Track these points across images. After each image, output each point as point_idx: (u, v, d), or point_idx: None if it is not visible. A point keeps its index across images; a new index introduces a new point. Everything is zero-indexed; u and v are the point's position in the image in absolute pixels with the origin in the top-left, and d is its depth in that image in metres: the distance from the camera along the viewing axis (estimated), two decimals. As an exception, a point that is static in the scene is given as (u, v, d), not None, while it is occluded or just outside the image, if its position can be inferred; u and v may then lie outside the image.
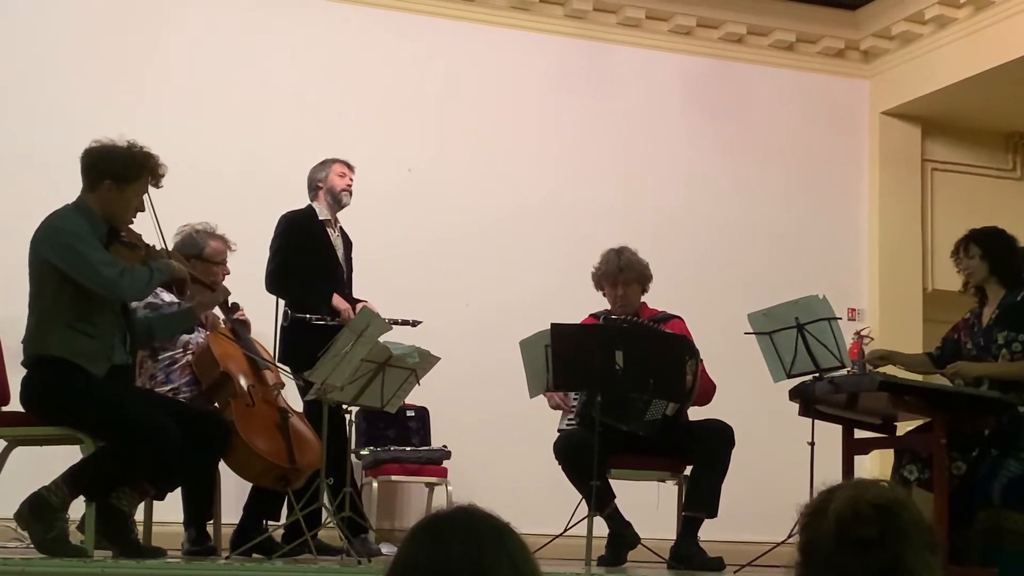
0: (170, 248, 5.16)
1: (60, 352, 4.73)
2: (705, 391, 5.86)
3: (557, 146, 8.66)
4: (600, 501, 5.53)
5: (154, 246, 4.98)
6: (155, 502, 5.50)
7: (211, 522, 5.67)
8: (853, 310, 8.99)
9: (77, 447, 4.84)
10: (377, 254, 7.30)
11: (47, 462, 4.97)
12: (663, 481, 6.10)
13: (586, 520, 5.54)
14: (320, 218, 6.34)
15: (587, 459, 5.45)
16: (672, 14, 9.02)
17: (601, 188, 8.65)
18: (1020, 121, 9.48)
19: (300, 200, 6.43)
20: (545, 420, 6.15)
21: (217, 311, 5.79)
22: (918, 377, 6.19)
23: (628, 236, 6.36)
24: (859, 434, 5.87)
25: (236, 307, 5.59)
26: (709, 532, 5.81)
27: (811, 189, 9.21)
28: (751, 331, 5.72)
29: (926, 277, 9.34)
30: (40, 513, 4.65)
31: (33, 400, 4.83)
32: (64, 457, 4.91)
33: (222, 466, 5.46)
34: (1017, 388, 5.45)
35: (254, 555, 5.34)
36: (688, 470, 5.89)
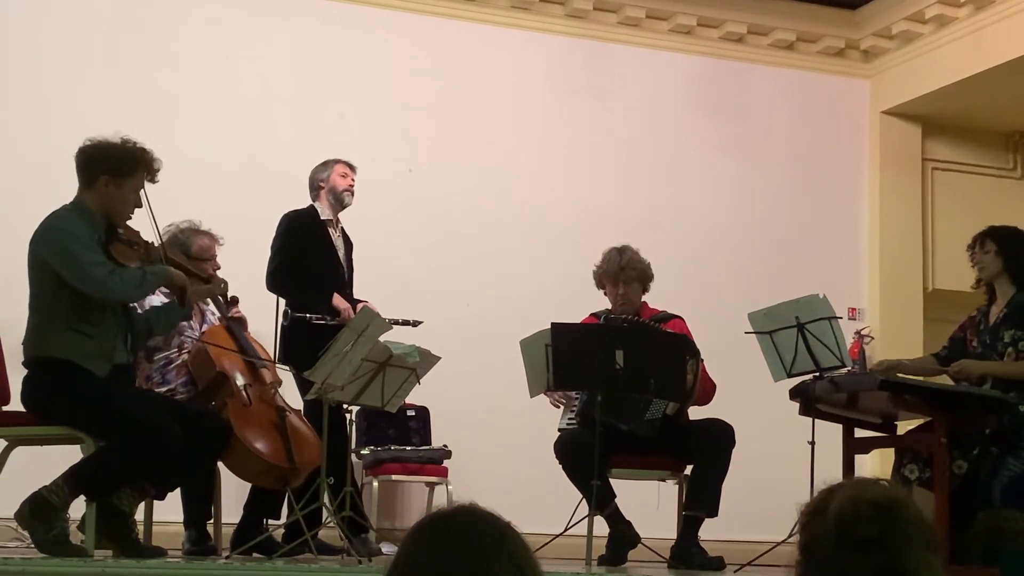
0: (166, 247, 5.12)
1: (62, 354, 4.73)
2: (706, 391, 5.86)
3: (557, 145, 8.66)
4: (601, 500, 5.53)
5: (152, 243, 4.96)
6: (155, 502, 5.49)
7: (211, 522, 5.67)
8: (853, 309, 8.99)
9: (78, 447, 4.83)
10: (377, 254, 7.29)
11: (47, 462, 4.97)
12: (663, 480, 6.10)
13: (587, 519, 5.55)
14: (322, 218, 6.34)
15: (587, 459, 5.45)
16: (672, 13, 9.02)
17: (601, 187, 8.65)
18: (1020, 120, 9.47)
19: (301, 200, 6.43)
20: (545, 420, 6.15)
21: (215, 311, 5.79)
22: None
23: (628, 235, 6.35)
24: (859, 433, 5.87)
25: (235, 300, 5.52)
26: (710, 531, 5.81)
27: (811, 188, 9.21)
28: (751, 330, 5.72)
29: (926, 276, 9.34)
30: (40, 513, 4.64)
31: (35, 402, 4.83)
32: (64, 457, 4.91)
33: (222, 466, 5.46)
34: (1020, 387, 5.45)
35: (254, 554, 5.34)
36: (689, 469, 5.89)
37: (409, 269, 7.99)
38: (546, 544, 5.52)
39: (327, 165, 6.43)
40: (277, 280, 6.22)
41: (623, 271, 5.96)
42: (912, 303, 9.19)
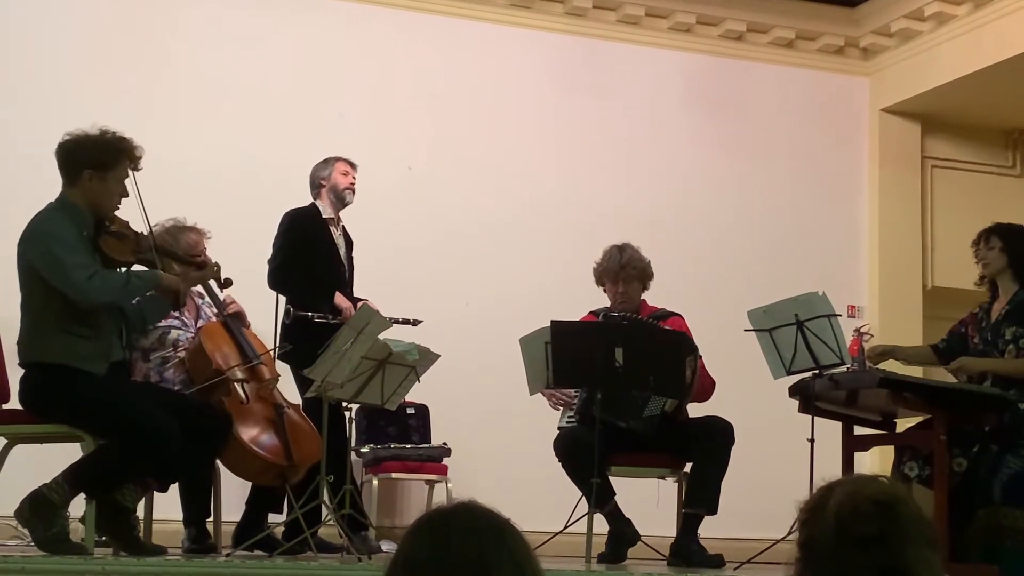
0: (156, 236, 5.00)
1: (58, 358, 4.70)
2: (704, 388, 5.86)
3: (557, 144, 8.66)
4: (600, 498, 5.54)
5: (142, 233, 4.88)
6: (155, 502, 5.49)
7: (211, 520, 5.66)
8: (853, 307, 8.99)
9: (78, 444, 4.83)
10: (377, 252, 7.29)
11: (47, 460, 4.97)
12: (663, 478, 6.09)
13: (586, 517, 5.55)
14: (323, 216, 6.34)
15: (587, 457, 5.45)
16: (672, 11, 9.02)
17: (601, 185, 8.65)
18: (1020, 118, 9.47)
19: (301, 199, 6.42)
20: (545, 418, 6.15)
21: (211, 304, 5.77)
22: (919, 373, 6.19)
23: (628, 232, 6.36)
24: (859, 431, 5.87)
25: (228, 282, 5.42)
26: (709, 529, 5.81)
27: (811, 186, 9.21)
28: (751, 328, 5.72)
29: (926, 274, 9.34)
30: (40, 511, 4.64)
31: (33, 403, 4.82)
32: (64, 455, 4.91)
33: (221, 465, 5.46)
34: (1020, 385, 5.44)
35: (255, 551, 5.33)
36: (688, 467, 5.89)
37: (409, 267, 7.99)
38: (546, 542, 5.53)
39: (328, 163, 6.42)
40: (279, 278, 6.22)
41: (623, 269, 5.96)
42: (911, 300, 9.19)
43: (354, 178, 6.41)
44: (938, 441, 5.22)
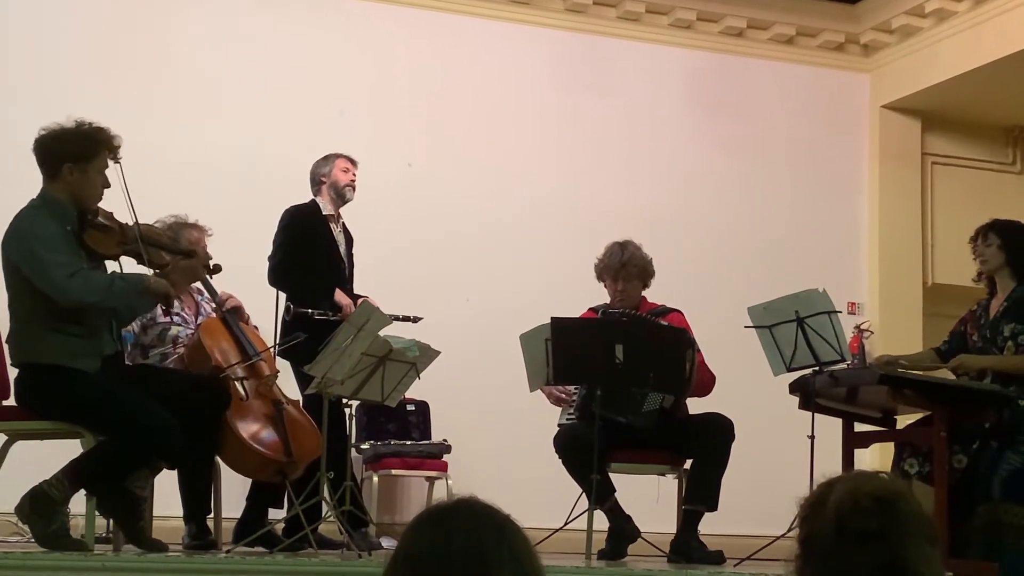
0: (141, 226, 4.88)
1: (51, 358, 4.67)
2: (704, 382, 5.86)
3: (557, 140, 8.66)
4: (600, 495, 5.54)
5: (127, 224, 4.81)
6: (155, 498, 5.48)
7: (211, 516, 5.66)
8: (853, 304, 9.00)
9: (77, 441, 4.83)
10: (377, 249, 7.28)
11: (47, 456, 4.97)
12: (663, 475, 6.09)
13: (586, 514, 5.54)
14: (323, 213, 6.34)
15: (587, 453, 5.45)
16: (672, 8, 9.01)
17: (601, 182, 8.65)
18: (1020, 115, 9.47)
19: (301, 196, 6.42)
20: (545, 414, 6.15)
21: (210, 300, 5.77)
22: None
23: (628, 230, 6.35)
24: (859, 428, 5.88)
25: (218, 268, 5.38)
26: (709, 526, 5.81)
27: (811, 183, 9.21)
28: (751, 325, 5.72)
29: (926, 271, 9.34)
30: (41, 507, 4.63)
31: (29, 403, 4.80)
32: (64, 451, 4.91)
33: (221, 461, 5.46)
34: (1019, 381, 5.45)
35: (256, 548, 5.34)
36: (688, 464, 5.89)
37: (409, 264, 7.99)
38: (546, 538, 5.51)
39: (328, 160, 6.42)
40: (279, 275, 6.22)
41: (624, 267, 5.96)
42: (911, 297, 9.19)
43: (354, 175, 6.41)
44: (938, 438, 5.22)
